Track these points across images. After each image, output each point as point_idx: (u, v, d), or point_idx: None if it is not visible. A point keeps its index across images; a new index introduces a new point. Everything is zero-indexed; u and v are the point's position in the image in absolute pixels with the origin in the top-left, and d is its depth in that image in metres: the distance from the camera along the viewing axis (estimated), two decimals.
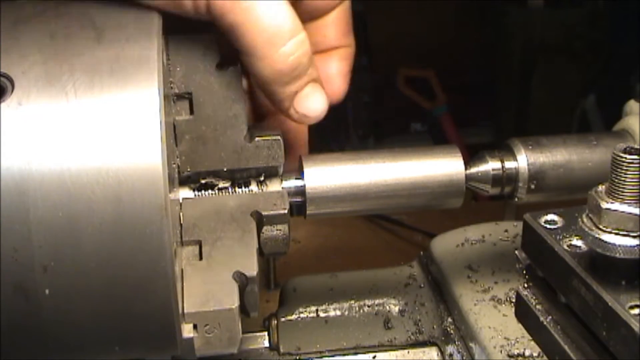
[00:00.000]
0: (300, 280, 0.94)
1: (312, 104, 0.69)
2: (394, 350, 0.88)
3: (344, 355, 0.87)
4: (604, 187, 0.57)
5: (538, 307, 0.63)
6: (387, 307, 0.90)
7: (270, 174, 0.70)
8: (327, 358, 0.87)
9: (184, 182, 0.68)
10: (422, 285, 0.92)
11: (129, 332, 0.56)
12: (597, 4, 2.19)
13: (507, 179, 0.74)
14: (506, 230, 0.96)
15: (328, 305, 0.89)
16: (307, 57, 0.66)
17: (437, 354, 0.87)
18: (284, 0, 0.63)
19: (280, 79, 0.65)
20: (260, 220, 0.67)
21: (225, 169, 0.68)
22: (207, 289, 0.59)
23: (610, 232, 0.55)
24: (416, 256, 0.98)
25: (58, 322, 0.54)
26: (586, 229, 0.57)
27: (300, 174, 0.71)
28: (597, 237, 0.56)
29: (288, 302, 0.91)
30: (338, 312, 0.89)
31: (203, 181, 0.68)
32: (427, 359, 0.87)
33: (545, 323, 0.61)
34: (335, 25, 0.77)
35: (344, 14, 0.77)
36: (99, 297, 0.54)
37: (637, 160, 0.54)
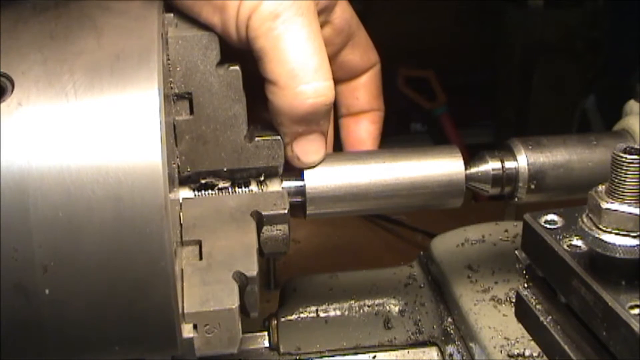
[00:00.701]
0: (300, 280, 0.94)
1: (311, 152, 0.70)
2: (394, 350, 0.88)
3: (344, 355, 0.87)
4: (604, 187, 0.57)
5: (538, 307, 0.63)
6: (387, 307, 0.90)
7: (270, 174, 0.70)
8: (327, 358, 0.87)
9: (184, 182, 0.68)
10: (422, 285, 0.92)
11: (129, 332, 0.56)
12: (597, 4, 2.19)
13: (507, 179, 0.74)
14: (506, 230, 0.95)
15: (328, 305, 0.89)
16: (326, 109, 0.66)
17: (437, 354, 0.87)
18: (317, 41, 0.64)
19: (292, 115, 0.66)
20: (260, 220, 0.67)
21: (225, 169, 0.68)
22: (207, 289, 0.59)
23: (610, 232, 0.55)
24: (416, 256, 0.98)
25: (58, 322, 0.54)
26: (586, 229, 0.57)
27: (300, 174, 0.71)
28: (597, 237, 0.56)
29: (288, 302, 0.90)
30: (338, 312, 0.89)
31: (203, 181, 0.68)
32: (427, 359, 0.87)
33: (545, 323, 0.61)
34: (367, 88, 0.79)
35: (375, 78, 0.80)
36: (99, 297, 0.54)
37: (637, 160, 0.54)
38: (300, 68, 0.63)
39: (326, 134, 0.71)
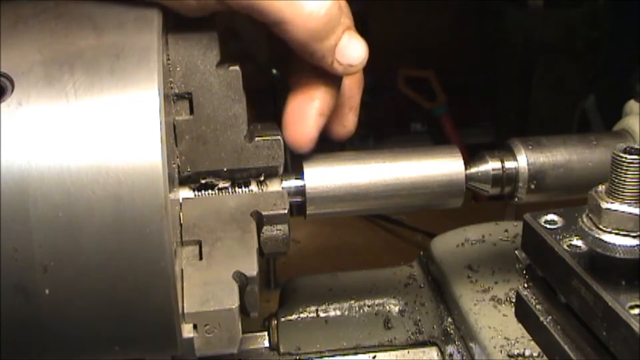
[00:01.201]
0: (300, 280, 0.94)
1: (353, 51, 0.67)
2: (394, 350, 0.88)
3: (344, 355, 0.87)
4: (604, 187, 0.57)
5: (538, 307, 0.63)
6: (387, 307, 0.90)
7: (270, 174, 0.70)
8: (327, 358, 0.87)
9: (184, 182, 0.68)
10: (422, 285, 0.92)
11: (129, 332, 0.56)
12: (597, 4, 2.19)
13: (507, 179, 0.74)
14: (506, 230, 0.96)
15: (328, 305, 0.89)
16: (337, 7, 0.64)
17: (437, 354, 0.87)
18: None
19: (317, 36, 0.64)
20: (260, 220, 0.67)
21: (225, 169, 0.68)
22: (207, 289, 0.59)
23: (610, 232, 0.55)
24: (416, 256, 0.98)
25: (58, 322, 0.54)
26: (586, 229, 0.57)
27: (300, 174, 0.71)
28: (597, 237, 0.56)
29: (288, 302, 0.91)
30: (338, 312, 0.89)
31: (203, 181, 0.68)
32: (427, 359, 0.87)
33: (545, 323, 0.61)
34: None
35: None
36: (99, 297, 0.54)
37: (637, 160, 0.54)
38: None
39: (352, 26, 0.68)
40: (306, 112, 0.69)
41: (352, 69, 0.68)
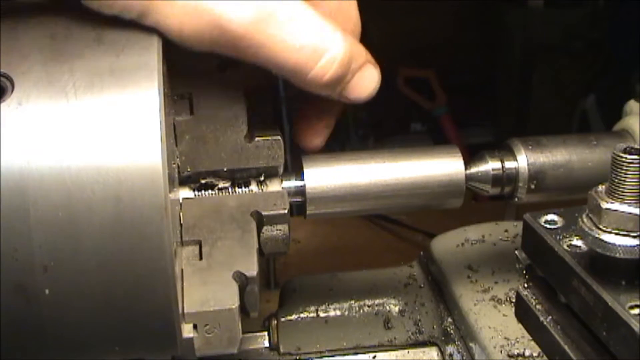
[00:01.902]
0: (300, 280, 0.94)
1: (363, 88, 0.67)
2: (394, 350, 0.88)
3: (344, 355, 0.87)
4: (604, 187, 0.57)
5: (538, 307, 0.63)
6: (387, 307, 0.90)
7: (270, 174, 0.70)
8: (327, 358, 0.87)
9: (184, 182, 0.68)
10: (422, 285, 0.92)
11: (129, 332, 0.56)
12: (597, 4, 2.19)
13: (507, 179, 0.74)
14: (506, 230, 0.96)
15: (328, 305, 0.89)
16: (347, 59, 0.63)
17: (437, 354, 0.87)
18: (309, 15, 0.61)
19: (326, 88, 0.64)
20: (260, 220, 0.67)
21: (225, 169, 0.68)
22: (207, 289, 0.59)
23: (610, 232, 0.56)
24: (416, 256, 0.98)
25: (58, 322, 0.54)
26: (586, 229, 0.57)
27: (300, 174, 0.71)
28: (597, 237, 0.56)
29: (288, 302, 0.91)
30: (338, 312, 0.89)
31: (203, 181, 0.68)
32: (427, 359, 0.87)
33: (545, 323, 0.61)
34: None
35: None
36: (98, 297, 0.54)
37: (637, 160, 0.54)
38: (309, 51, 0.61)
39: (369, 59, 0.68)
40: (317, 129, 0.75)
41: (359, 101, 0.68)
